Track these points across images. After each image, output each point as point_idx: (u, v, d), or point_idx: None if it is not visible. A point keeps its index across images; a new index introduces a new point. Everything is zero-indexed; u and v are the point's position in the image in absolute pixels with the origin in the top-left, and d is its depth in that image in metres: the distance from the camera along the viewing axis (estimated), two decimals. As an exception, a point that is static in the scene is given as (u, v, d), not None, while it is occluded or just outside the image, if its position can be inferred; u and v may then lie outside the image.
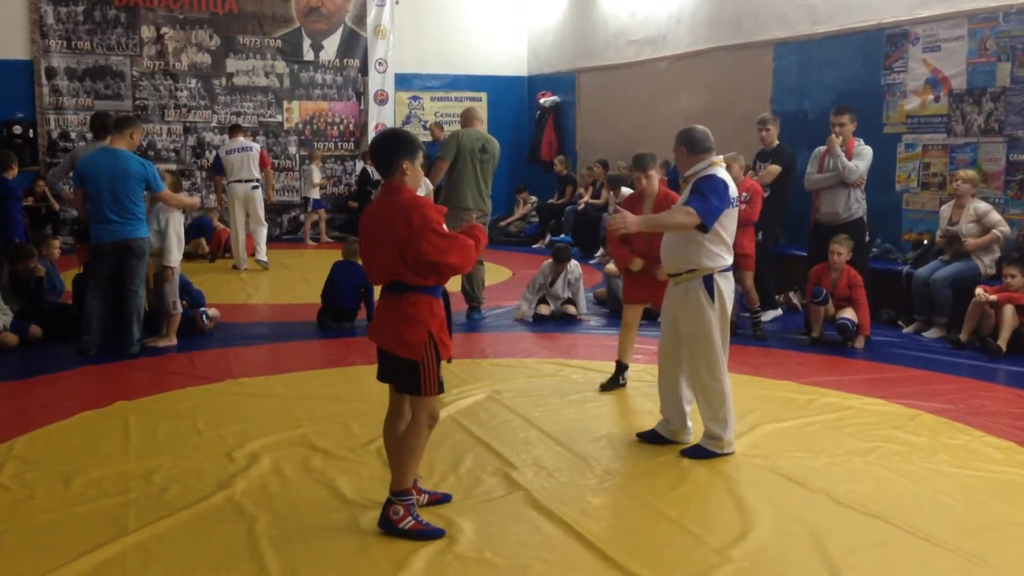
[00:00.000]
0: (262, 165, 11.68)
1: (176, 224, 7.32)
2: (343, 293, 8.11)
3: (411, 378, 3.79)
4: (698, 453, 4.80)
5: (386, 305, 3.84)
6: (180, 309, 7.41)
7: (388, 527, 3.81)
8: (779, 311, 8.80)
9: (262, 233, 11.76)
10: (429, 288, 3.79)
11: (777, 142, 8.59)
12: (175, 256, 7.28)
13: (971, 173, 8.00)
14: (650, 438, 5.03)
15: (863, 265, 7.70)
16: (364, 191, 14.31)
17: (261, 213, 11.67)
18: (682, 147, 4.83)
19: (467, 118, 8.64)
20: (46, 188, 11.95)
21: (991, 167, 8.30)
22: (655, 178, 5.96)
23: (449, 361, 4.00)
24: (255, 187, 11.56)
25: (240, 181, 11.49)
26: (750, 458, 4.80)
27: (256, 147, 11.84)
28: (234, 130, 11.94)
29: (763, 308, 8.27)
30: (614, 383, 6.11)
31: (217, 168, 11.72)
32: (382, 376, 3.97)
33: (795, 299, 9.09)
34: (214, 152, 12.57)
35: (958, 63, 8.61)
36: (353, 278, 8.14)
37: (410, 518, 3.80)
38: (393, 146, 3.81)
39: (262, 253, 11.71)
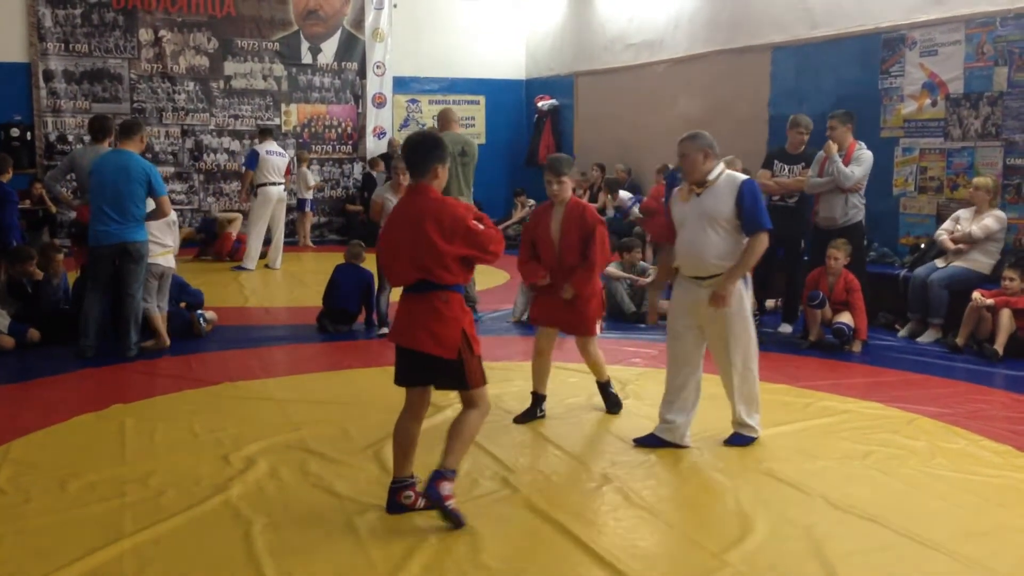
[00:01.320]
0: (286, 173, 12.19)
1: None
2: (344, 295, 8.11)
3: (456, 375, 3.90)
4: (739, 441, 5.01)
5: (413, 305, 3.90)
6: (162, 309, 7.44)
7: (436, 499, 3.84)
8: (790, 328, 8.23)
9: (281, 238, 12.11)
10: (458, 286, 3.90)
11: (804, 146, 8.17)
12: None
13: (986, 180, 7.95)
14: (649, 443, 5.02)
15: (861, 270, 7.69)
16: (366, 197, 14.29)
17: (283, 218, 12.10)
18: (706, 149, 4.83)
19: (444, 121, 8.63)
20: (43, 191, 11.94)
21: (988, 171, 8.30)
22: (568, 185, 5.46)
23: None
24: (285, 191, 12.07)
25: (275, 184, 11.82)
26: (747, 462, 4.79)
27: (287, 154, 12.44)
28: (265, 134, 12.32)
29: (787, 319, 8.22)
30: (530, 415, 5.46)
31: (252, 163, 11.84)
32: (406, 379, 4.01)
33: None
34: (249, 148, 12.85)
35: (955, 67, 8.62)
36: (355, 281, 8.15)
37: (454, 499, 3.88)
38: (431, 149, 3.95)
39: (278, 261, 12.02)
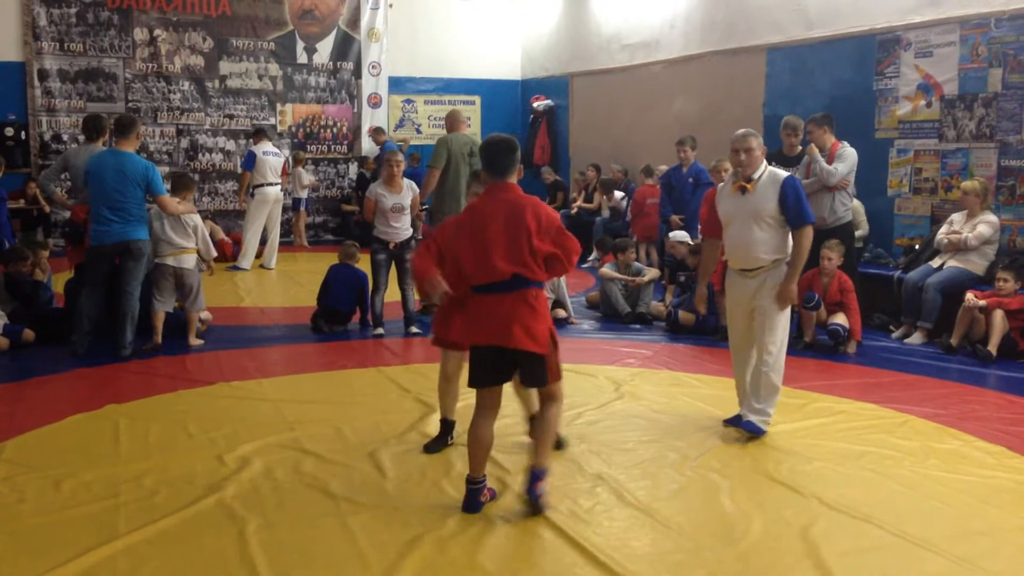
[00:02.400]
0: (282, 173, 12.21)
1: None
2: (338, 295, 8.11)
3: (539, 370, 3.99)
4: (752, 428, 5.13)
5: (499, 303, 3.94)
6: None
7: (536, 498, 4.02)
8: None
9: (276, 238, 12.17)
10: (542, 283, 4.02)
11: (800, 148, 8.17)
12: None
13: (974, 184, 7.94)
14: (737, 423, 5.28)
15: (852, 270, 7.70)
16: (361, 196, 14.28)
17: (279, 218, 12.21)
18: (763, 147, 5.20)
19: (453, 122, 8.61)
20: (37, 190, 11.91)
21: (982, 172, 8.32)
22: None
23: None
24: (282, 191, 12.14)
25: (272, 184, 11.87)
26: (742, 462, 4.80)
27: (283, 154, 12.53)
28: (260, 135, 12.34)
29: None
30: (441, 442, 4.97)
31: (249, 164, 11.85)
32: (489, 378, 4.04)
33: None
34: (246, 149, 12.77)
35: (950, 69, 8.64)
36: (349, 281, 8.14)
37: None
38: (513, 149, 4.10)
39: (273, 261, 12.07)
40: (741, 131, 5.23)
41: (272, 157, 11.91)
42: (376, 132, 14.99)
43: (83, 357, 6.93)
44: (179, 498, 4.21)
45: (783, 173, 5.18)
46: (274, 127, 14.90)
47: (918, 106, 8.97)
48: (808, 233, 5.07)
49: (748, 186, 5.12)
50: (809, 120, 7.86)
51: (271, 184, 11.82)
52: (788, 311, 5.19)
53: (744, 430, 5.16)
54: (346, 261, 8.33)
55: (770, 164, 8.24)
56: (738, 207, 5.15)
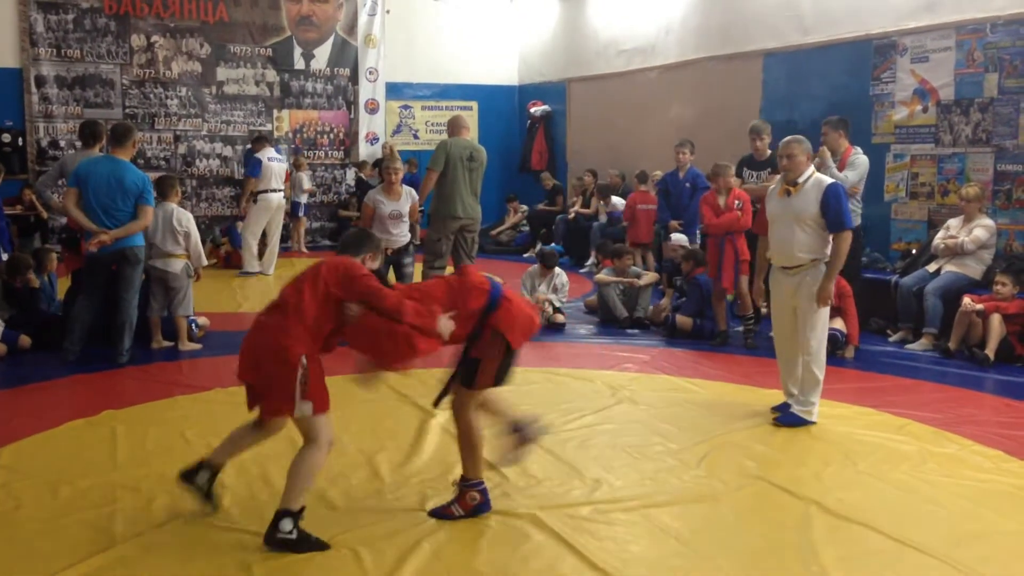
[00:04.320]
0: (285, 179, 12.21)
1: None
2: None
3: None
4: (794, 420, 5.45)
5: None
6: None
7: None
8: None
9: (276, 244, 12.14)
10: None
11: (770, 151, 8.35)
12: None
13: (973, 189, 7.94)
14: (788, 420, 5.48)
15: (856, 275, 7.67)
16: (359, 200, 14.29)
17: (280, 224, 12.16)
18: (809, 152, 5.49)
19: (454, 127, 8.63)
20: (33, 197, 11.90)
21: (979, 177, 8.34)
22: None
23: None
24: (284, 198, 12.08)
25: (276, 191, 11.81)
26: (739, 467, 4.80)
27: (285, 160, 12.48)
28: (261, 141, 12.27)
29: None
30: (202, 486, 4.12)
31: (255, 171, 11.75)
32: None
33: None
34: (250, 155, 12.48)
35: (946, 74, 8.66)
36: None
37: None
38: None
39: (271, 267, 12.04)
40: (787, 138, 5.58)
41: (276, 163, 11.89)
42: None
43: (80, 363, 6.92)
44: (176, 505, 4.20)
45: (828, 180, 5.43)
46: (271, 133, 14.90)
47: (914, 111, 8.99)
48: (847, 237, 5.36)
49: (792, 189, 5.44)
50: (824, 122, 7.84)
51: (275, 191, 11.78)
52: (826, 309, 5.47)
53: (788, 422, 5.45)
54: None
55: (740, 168, 8.51)
56: (783, 208, 5.49)
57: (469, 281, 4.01)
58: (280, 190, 11.92)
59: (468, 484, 4.09)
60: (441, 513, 4.08)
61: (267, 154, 11.85)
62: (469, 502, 4.07)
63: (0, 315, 7.44)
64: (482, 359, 3.94)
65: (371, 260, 4.05)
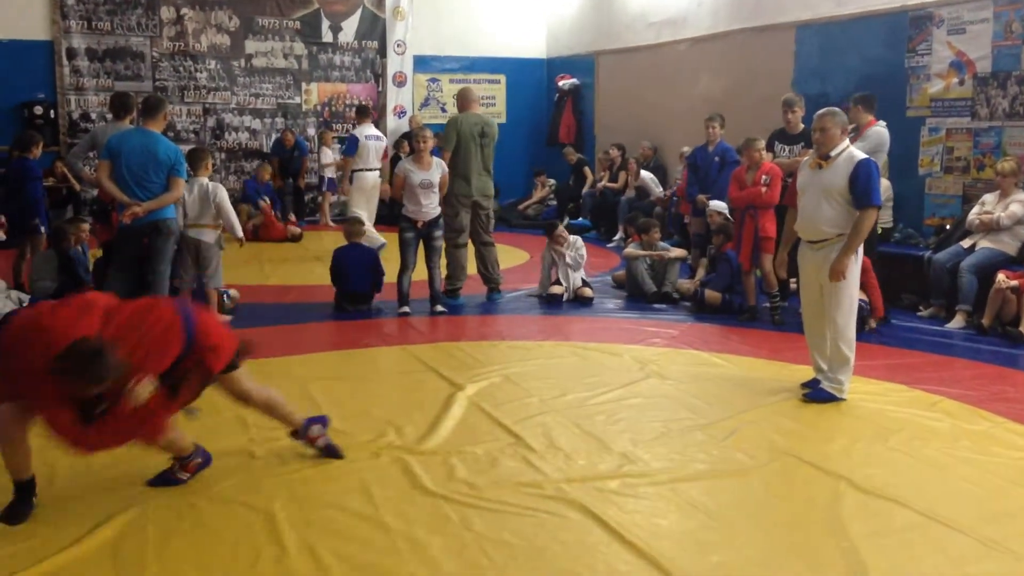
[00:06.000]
0: (383, 157, 11.52)
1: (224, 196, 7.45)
2: (354, 279, 8.09)
3: None
4: (823, 396, 5.44)
5: None
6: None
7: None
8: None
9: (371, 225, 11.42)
10: None
11: (803, 125, 8.28)
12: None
13: (1010, 164, 7.79)
14: (818, 396, 5.47)
15: (872, 249, 7.54)
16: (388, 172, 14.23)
17: (376, 205, 11.50)
18: (843, 126, 5.42)
19: (464, 101, 8.55)
20: (65, 169, 12.00)
21: (1016, 151, 8.19)
22: None
23: None
24: (380, 177, 11.34)
25: (372, 169, 11.21)
26: (768, 442, 4.78)
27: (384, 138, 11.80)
28: (363, 113, 11.71)
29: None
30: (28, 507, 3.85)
31: (352, 149, 11.14)
32: None
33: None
34: (350, 134, 11.93)
35: (983, 46, 8.50)
36: (361, 262, 8.13)
37: None
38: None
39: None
40: (821, 111, 5.50)
41: (374, 141, 11.29)
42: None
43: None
44: (207, 472, 4.25)
45: (860, 155, 5.36)
46: (299, 106, 14.91)
47: (950, 84, 8.83)
48: (871, 215, 5.29)
49: (824, 163, 5.38)
50: (851, 99, 7.80)
51: (371, 169, 11.22)
52: (855, 285, 5.41)
53: (817, 398, 5.44)
54: (352, 240, 8.31)
55: (772, 142, 8.38)
56: (812, 181, 5.45)
57: (158, 329, 3.71)
58: (377, 168, 11.28)
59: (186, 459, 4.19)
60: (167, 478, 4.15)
61: (365, 131, 11.28)
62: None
63: (48, 286, 7.56)
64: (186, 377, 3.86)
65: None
